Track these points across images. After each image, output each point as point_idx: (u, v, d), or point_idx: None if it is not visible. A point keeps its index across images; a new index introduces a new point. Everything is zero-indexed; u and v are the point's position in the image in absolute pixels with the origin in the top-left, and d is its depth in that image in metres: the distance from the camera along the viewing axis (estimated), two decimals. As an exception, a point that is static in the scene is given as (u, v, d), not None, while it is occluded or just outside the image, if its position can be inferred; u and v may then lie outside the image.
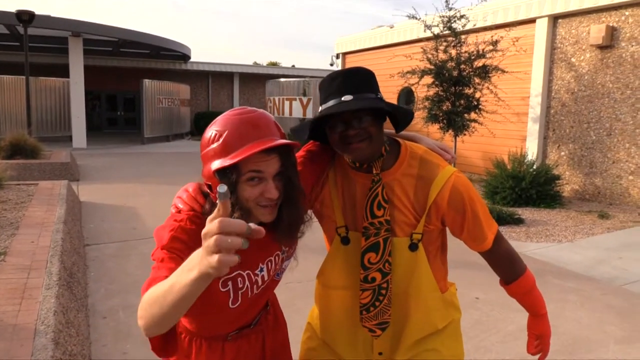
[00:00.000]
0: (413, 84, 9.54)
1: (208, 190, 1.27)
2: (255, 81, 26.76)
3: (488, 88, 9.15)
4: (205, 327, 1.38)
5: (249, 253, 1.32)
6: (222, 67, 25.18)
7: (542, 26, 9.77)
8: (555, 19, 9.67)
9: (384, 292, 1.48)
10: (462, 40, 9.16)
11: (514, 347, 3.41)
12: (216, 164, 1.21)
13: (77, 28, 15.52)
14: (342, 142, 1.37)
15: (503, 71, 9.03)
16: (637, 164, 8.37)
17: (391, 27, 13.76)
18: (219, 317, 1.35)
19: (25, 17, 12.75)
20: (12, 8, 12.74)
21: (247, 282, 1.34)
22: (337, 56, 17.05)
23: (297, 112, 16.98)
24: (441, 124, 9.44)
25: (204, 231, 0.83)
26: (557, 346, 3.42)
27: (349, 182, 1.51)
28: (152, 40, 18.14)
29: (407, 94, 13.42)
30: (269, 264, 1.39)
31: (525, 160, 8.67)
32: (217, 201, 0.83)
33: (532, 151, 9.97)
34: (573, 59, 9.36)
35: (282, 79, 18.03)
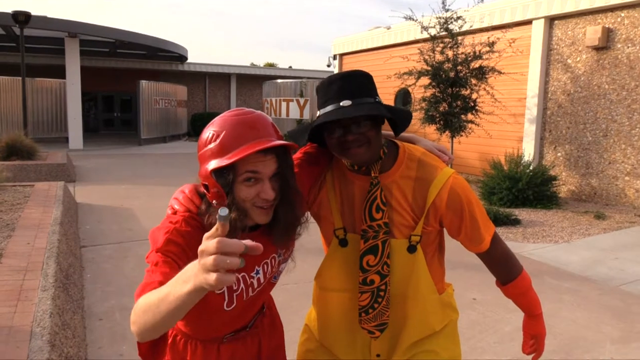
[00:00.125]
0: (410, 85, 9.56)
1: (204, 191, 1.27)
2: (253, 82, 26.75)
3: (485, 89, 9.16)
4: (201, 330, 1.38)
5: (245, 255, 1.32)
6: (219, 68, 25.16)
7: (538, 27, 9.80)
8: (551, 20, 9.70)
9: (382, 294, 1.48)
10: (459, 41, 9.18)
11: (511, 347, 3.41)
12: (213, 164, 1.21)
13: (74, 29, 15.49)
14: (341, 147, 1.37)
15: (500, 72, 9.05)
16: (633, 164, 8.40)
17: (388, 29, 13.78)
18: (214, 320, 1.35)
19: (22, 18, 12.72)
20: (8, 9, 12.69)
21: (242, 285, 1.34)
22: (334, 57, 17.06)
23: (294, 113, 16.98)
24: (438, 125, 9.45)
25: (200, 248, 0.83)
26: (553, 346, 3.42)
27: (346, 184, 1.51)
28: (148, 41, 18.12)
29: (404, 95, 13.44)
30: (265, 266, 1.39)
31: (522, 161, 8.69)
32: (217, 221, 0.83)
33: (528, 152, 9.99)
34: (569, 60, 9.39)
35: (279, 80, 18.03)
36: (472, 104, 9.28)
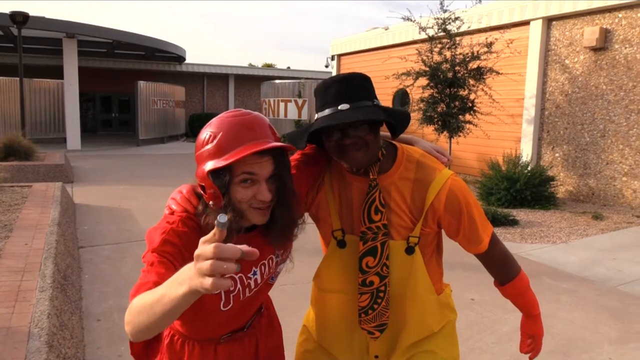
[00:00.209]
0: (408, 86, 9.56)
1: (202, 192, 1.27)
2: (251, 83, 26.74)
3: (483, 90, 9.17)
4: (198, 330, 1.38)
5: (241, 259, 1.32)
6: (217, 68, 25.15)
7: (536, 28, 9.81)
8: (549, 21, 9.71)
9: (382, 294, 1.48)
10: (457, 42, 9.19)
11: (509, 347, 3.41)
12: (210, 165, 1.21)
13: (72, 29, 15.47)
14: (339, 150, 1.37)
15: (497, 73, 9.06)
16: (631, 165, 8.42)
17: (386, 29, 13.79)
18: (211, 320, 1.35)
19: (20, 19, 12.70)
20: (6, 9, 12.68)
21: (239, 285, 1.34)
22: (332, 58, 17.06)
23: (293, 114, 16.98)
24: (436, 125, 9.46)
25: (197, 252, 0.83)
26: (551, 346, 3.43)
27: (345, 186, 1.51)
28: (146, 41, 18.10)
29: (402, 96, 13.45)
30: (263, 267, 1.39)
31: (520, 162, 8.70)
32: (215, 227, 0.83)
33: (526, 152, 10.00)
34: (567, 61, 9.41)
35: (278, 81, 18.02)
36: (470, 105, 9.29)
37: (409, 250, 1.46)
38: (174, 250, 1.18)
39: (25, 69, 15.56)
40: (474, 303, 4.19)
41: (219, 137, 1.21)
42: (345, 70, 16.37)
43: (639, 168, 8.31)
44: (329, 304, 1.58)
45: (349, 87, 1.36)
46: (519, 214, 7.74)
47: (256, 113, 1.28)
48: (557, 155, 9.68)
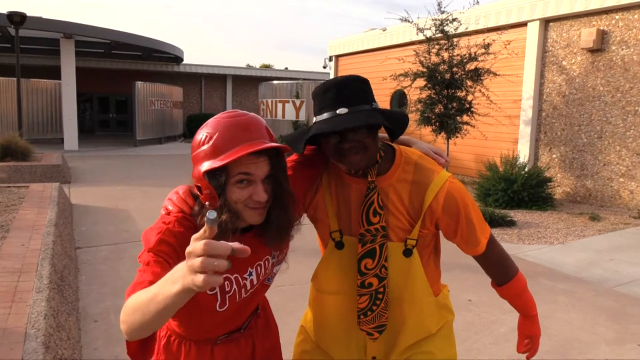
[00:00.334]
0: (406, 87, 9.58)
1: (198, 192, 1.27)
2: (248, 83, 26.73)
3: (480, 91, 9.19)
4: (194, 330, 1.38)
5: (237, 257, 1.32)
6: (215, 69, 25.14)
7: (533, 29, 9.84)
8: (546, 22, 9.74)
9: (380, 296, 1.48)
10: (455, 43, 9.21)
11: (506, 348, 3.42)
12: (206, 166, 1.21)
13: (69, 30, 15.45)
14: (337, 154, 1.37)
15: (495, 74, 9.08)
16: (628, 166, 8.44)
17: (384, 30, 13.81)
18: (207, 320, 1.35)
19: (17, 19, 12.68)
20: (4, 9, 12.66)
21: (234, 286, 1.34)
22: (330, 59, 17.07)
23: (290, 115, 16.97)
24: (434, 126, 9.47)
25: (188, 249, 0.84)
26: (548, 347, 3.43)
27: (343, 187, 1.51)
28: (144, 42, 18.08)
29: (399, 97, 13.46)
30: (259, 268, 1.39)
31: (517, 163, 8.72)
32: (205, 224, 0.84)
33: (523, 154, 10.02)
34: (564, 62, 9.43)
35: (275, 82, 18.01)
36: (468, 106, 9.31)
37: (407, 253, 1.46)
38: (170, 250, 1.18)
39: (22, 69, 15.54)
40: (472, 304, 4.19)
41: (215, 137, 1.21)
42: (343, 71, 16.38)
43: (635, 169, 8.33)
44: (326, 304, 1.58)
45: (347, 90, 1.36)
46: (517, 215, 7.75)
47: (252, 114, 1.28)
48: (554, 156, 9.69)
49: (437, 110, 9.33)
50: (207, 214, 0.83)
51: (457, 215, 1.45)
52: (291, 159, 1.53)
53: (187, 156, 15.73)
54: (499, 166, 8.81)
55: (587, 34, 8.81)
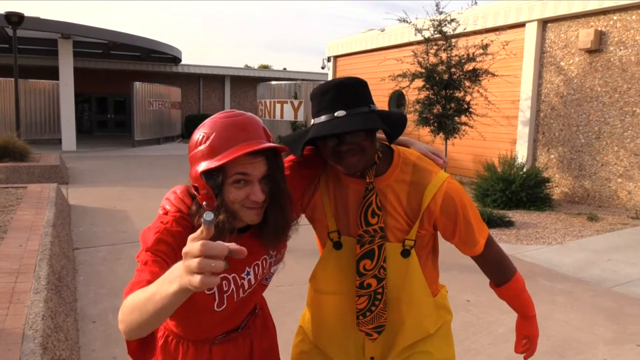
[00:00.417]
0: (404, 88, 9.58)
1: (195, 192, 1.27)
2: (247, 84, 26.73)
3: (478, 91, 9.20)
4: (192, 330, 1.38)
5: (234, 257, 1.32)
6: (213, 69, 25.13)
7: (531, 30, 9.85)
8: (544, 23, 9.75)
9: (379, 297, 1.48)
10: (453, 43, 9.22)
11: (505, 348, 3.42)
12: (203, 166, 1.21)
13: (67, 30, 15.43)
14: (335, 156, 1.37)
15: (493, 75, 9.09)
16: (625, 166, 8.45)
17: (382, 31, 13.82)
18: (205, 320, 1.35)
19: (15, 19, 12.66)
20: (1, 9, 12.65)
21: (232, 286, 1.34)
22: (329, 59, 17.07)
23: (289, 115, 16.97)
24: (432, 127, 9.48)
25: (185, 250, 0.83)
26: (546, 347, 3.44)
27: (341, 188, 1.51)
28: (142, 42, 18.07)
29: (397, 98, 13.47)
30: (256, 268, 1.39)
31: (516, 163, 8.73)
32: (202, 224, 0.84)
33: (522, 154, 10.03)
34: (562, 63, 9.45)
35: (274, 82, 18.01)
36: (466, 106, 9.32)
37: (405, 253, 1.46)
38: (168, 250, 1.19)
39: (20, 69, 15.52)
40: (470, 304, 4.19)
41: (212, 138, 1.21)
42: (341, 71, 16.39)
43: (633, 169, 8.35)
44: (325, 305, 1.58)
45: (345, 93, 1.36)
46: (515, 215, 7.76)
47: (249, 114, 1.28)
48: (552, 156, 9.71)
49: (435, 111, 9.34)
50: (204, 215, 0.83)
51: (455, 216, 1.45)
52: (289, 159, 1.53)
53: (185, 157, 15.71)
54: (497, 167, 8.82)
55: (585, 35, 8.82)
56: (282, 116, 17.19)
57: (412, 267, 1.48)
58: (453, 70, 9.10)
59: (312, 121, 1.40)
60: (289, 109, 17.02)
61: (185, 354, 1.41)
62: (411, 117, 9.75)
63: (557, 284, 4.75)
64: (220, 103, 26.33)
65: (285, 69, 34.99)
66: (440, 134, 9.52)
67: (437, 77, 9.08)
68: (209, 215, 0.83)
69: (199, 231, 0.84)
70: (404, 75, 9.46)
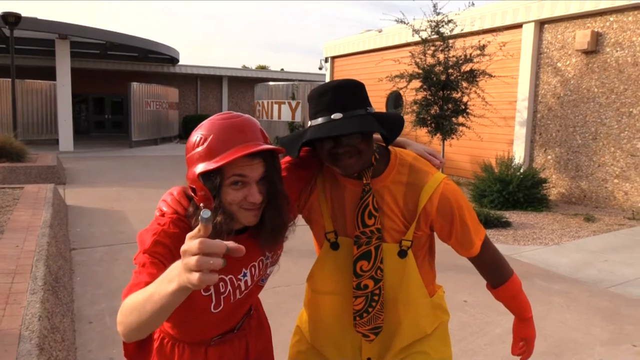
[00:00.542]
0: (401, 88, 9.59)
1: (192, 194, 1.27)
2: (244, 85, 26.72)
3: (475, 92, 9.22)
4: (188, 332, 1.38)
5: (232, 258, 1.32)
6: (211, 70, 25.11)
7: (528, 31, 9.87)
8: (541, 24, 9.77)
9: (376, 298, 1.48)
10: (450, 44, 9.23)
11: (501, 349, 3.43)
12: (200, 168, 1.21)
13: (64, 30, 15.41)
14: (332, 158, 1.37)
15: (490, 75, 9.11)
16: (622, 167, 8.48)
17: (379, 32, 13.83)
18: (201, 322, 1.35)
19: (12, 19, 12.64)
20: (-2, 10, 12.60)
21: (229, 287, 1.34)
22: (326, 60, 17.08)
23: (286, 116, 16.97)
24: (429, 127, 9.49)
25: (183, 248, 0.84)
26: (543, 348, 3.44)
27: (338, 188, 1.51)
28: (140, 43, 18.05)
29: (395, 98, 13.48)
30: (253, 269, 1.39)
31: (513, 164, 8.75)
32: (199, 223, 0.84)
33: (519, 155, 10.05)
34: (559, 64, 9.47)
35: (271, 83, 18.02)
36: (463, 107, 9.33)
37: (402, 254, 1.47)
38: (165, 251, 1.19)
39: (17, 70, 15.48)
40: (467, 305, 4.20)
41: (209, 139, 1.21)
42: (339, 72, 16.39)
43: (630, 170, 8.37)
44: (322, 305, 1.58)
45: (342, 95, 1.36)
46: (512, 215, 7.77)
47: (247, 116, 1.28)
48: (549, 157, 9.73)
49: (432, 112, 9.35)
50: (201, 212, 0.83)
51: (451, 217, 1.45)
52: (285, 160, 1.54)
53: (183, 157, 15.70)
54: (494, 167, 8.84)
55: (581, 36, 8.85)
56: (279, 117, 17.19)
57: (409, 268, 1.48)
58: (450, 71, 9.11)
59: (309, 123, 1.41)
60: (286, 109, 17.02)
61: (181, 355, 1.41)
62: (408, 118, 9.75)
63: (554, 284, 4.76)
64: (217, 104, 26.31)
65: (283, 69, 35.02)
66: (438, 135, 9.53)
67: (435, 78, 9.10)
68: (206, 213, 0.83)
69: (196, 229, 0.84)
70: (401, 76, 9.47)
